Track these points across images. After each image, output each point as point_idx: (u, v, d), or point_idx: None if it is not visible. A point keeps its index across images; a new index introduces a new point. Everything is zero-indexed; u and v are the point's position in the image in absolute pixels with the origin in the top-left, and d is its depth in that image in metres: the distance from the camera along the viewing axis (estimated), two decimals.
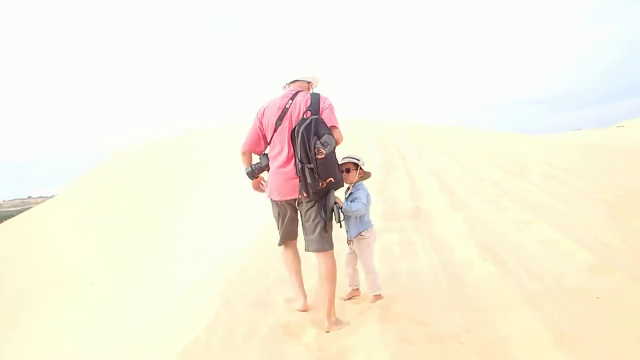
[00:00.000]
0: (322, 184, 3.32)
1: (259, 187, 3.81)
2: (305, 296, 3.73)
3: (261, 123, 3.62)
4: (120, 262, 16.78)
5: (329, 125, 3.42)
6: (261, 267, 4.42)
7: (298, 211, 3.62)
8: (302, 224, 3.58)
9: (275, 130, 3.53)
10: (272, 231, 5.67)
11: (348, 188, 3.85)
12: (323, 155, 3.25)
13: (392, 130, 19.45)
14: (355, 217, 3.71)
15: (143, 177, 28.41)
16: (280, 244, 3.81)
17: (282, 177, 3.51)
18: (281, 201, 3.60)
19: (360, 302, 3.78)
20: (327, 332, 3.33)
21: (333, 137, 3.37)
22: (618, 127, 61.04)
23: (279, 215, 3.71)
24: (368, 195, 3.75)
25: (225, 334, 3.16)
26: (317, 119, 3.39)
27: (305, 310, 3.66)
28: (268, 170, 3.65)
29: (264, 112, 3.61)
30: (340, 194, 3.66)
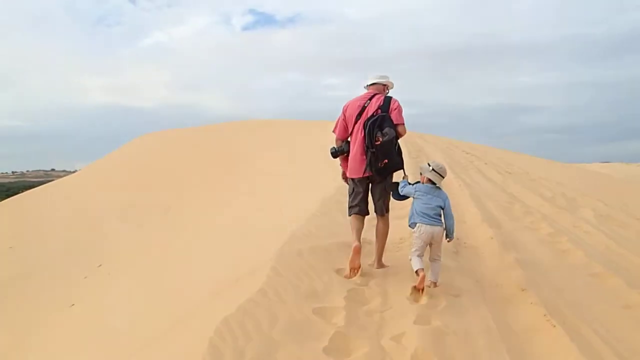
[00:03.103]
0: (380, 164, 4.33)
1: (345, 181, 4.88)
2: (359, 239, 4.48)
3: (345, 116, 4.63)
4: (136, 247, 16.05)
5: (395, 122, 4.39)
6: (271, 308, 3.43)
7: (369, 190, 4.64)
8: (372, 195, 4.62)
9: (355, 123, 4.53)
10: (297, 254, 4.66)
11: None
12: (379, 142, 4.25)
13: (421, 142, 18.32)
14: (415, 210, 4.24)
15: (170, 162, 27.77)
16: (349, 215, 4.70)
17: (356, 159, 4.50)
18: (357, 179, 4.57)
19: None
20: (377, 268, 4.53)
21: (394, 130, 4.32)
22: None
23: (353, 191, 4.68)
24: (416, 194, 4.27)
25: None
26: (385, 115, 4.37)
27: (357, 248, 4.31)
28: (348, 154, 4.64)
29: (347, 108, 4.63)
30: None
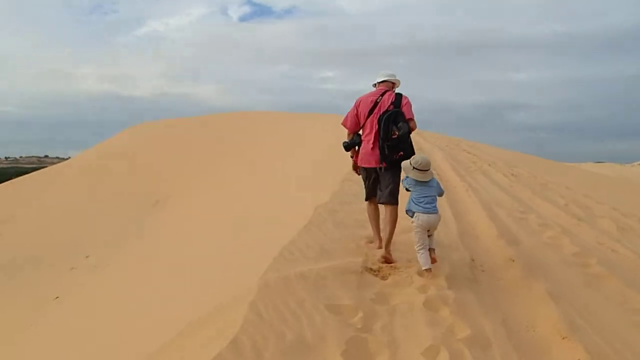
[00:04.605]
0: (396, 156, 4.63)
1: (355, 171, 5.24)
2: (381, 239, 4.90)
3: (357, 110, 4.92)
4: (123, 237, 15.26)
5: (407, 117, 4.69)
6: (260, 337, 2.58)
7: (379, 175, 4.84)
8: (380, 183, 4.85)
9: (367, 117, 4.83)
10: (283, 283, 3.75)
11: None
12: (396, 135, 4.58)
13: (419, 139, 17.42)
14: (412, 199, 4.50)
15: (161, 153, 26.86)
16: (365, 199, 5.10)
17: (369, 150, 4.82)
18: (368, 168, 4.90)
19: None
20: (384, 257, 4.59)
21: (407, 124, 4.63)
22: None
23: (366, 178, 5.01)
24: (409, 187, 4.52)
25: None
26: (398, 111, 4.66)
27: (381, 248, 4.72)
28: (359, 146, 4.98)
29: (360, 103, 4.92)
30: None
